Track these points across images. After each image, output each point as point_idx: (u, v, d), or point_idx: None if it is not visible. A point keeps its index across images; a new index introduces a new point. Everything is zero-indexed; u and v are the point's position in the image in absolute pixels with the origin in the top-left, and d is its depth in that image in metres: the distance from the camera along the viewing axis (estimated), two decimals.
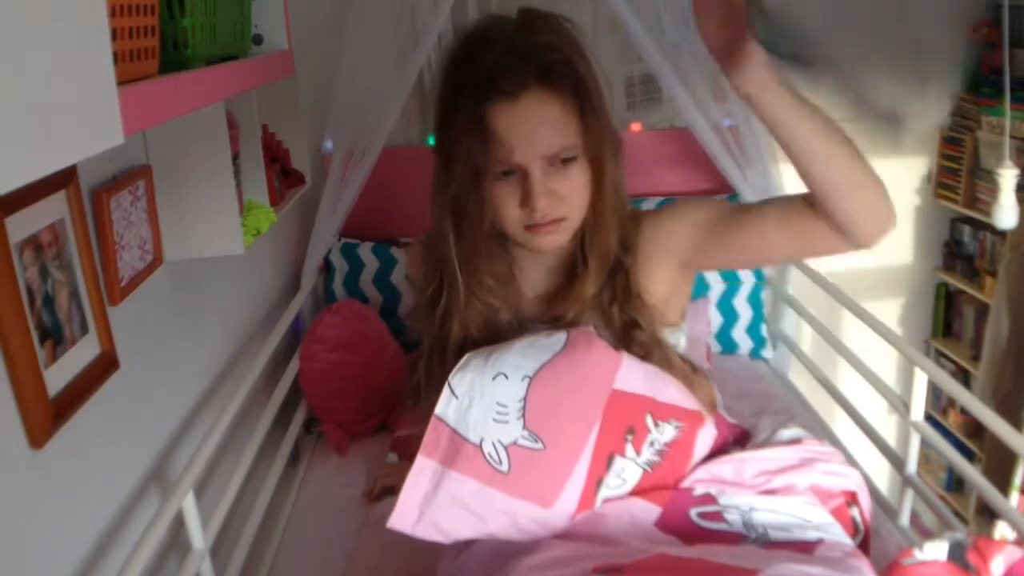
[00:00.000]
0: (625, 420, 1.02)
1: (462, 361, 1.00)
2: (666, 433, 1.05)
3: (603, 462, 1.00)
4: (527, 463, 0.97)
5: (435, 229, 1.12)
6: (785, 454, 1.12)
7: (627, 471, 1.03)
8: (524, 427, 0.97)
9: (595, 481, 1.00)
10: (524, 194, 1.03)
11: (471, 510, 0.97)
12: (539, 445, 0.97)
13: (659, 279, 1.13)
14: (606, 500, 1.02)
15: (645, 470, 1.04)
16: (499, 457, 0.96)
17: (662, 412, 1.05)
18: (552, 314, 1.14)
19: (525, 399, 0.97)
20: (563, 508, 0.98)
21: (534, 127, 1.01)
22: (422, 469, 0.97)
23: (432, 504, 0.97)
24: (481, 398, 0.97)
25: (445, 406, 0.98)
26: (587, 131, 1.02)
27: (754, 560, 0.88)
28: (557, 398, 0.99)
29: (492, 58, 1.02)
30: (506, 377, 0.98)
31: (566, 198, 1.05)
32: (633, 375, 1.04)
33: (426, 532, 0.98)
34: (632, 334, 1.10)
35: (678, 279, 1.16)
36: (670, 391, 1.07)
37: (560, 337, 1.03)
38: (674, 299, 1.17)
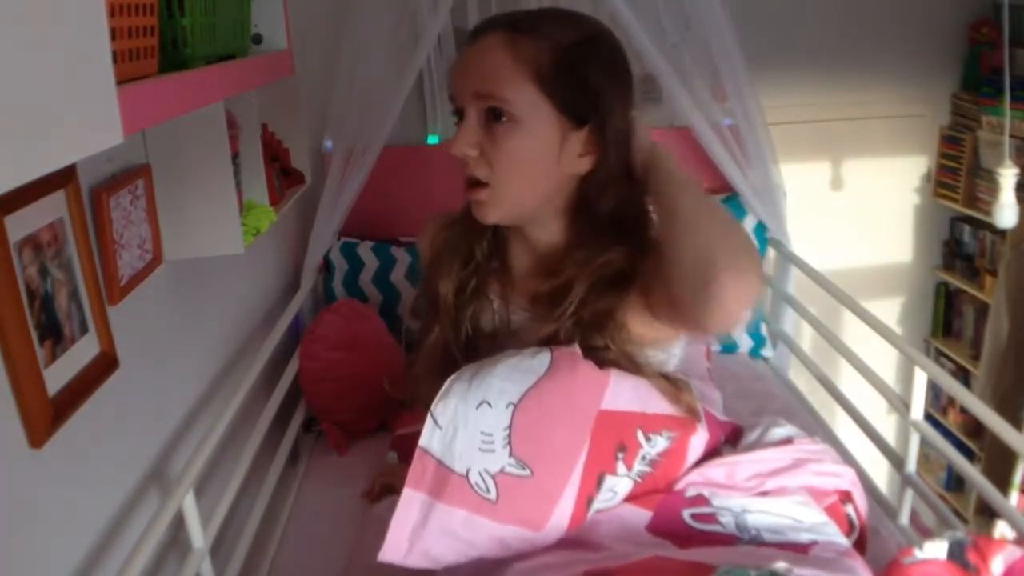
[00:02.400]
0: (615, 439, 1.00)
1: (444, 388, 0.98)
2: (658, 445, 1.04)
3: (593, 482, 0.99)
4: (515, 490, 0.95)
5: None
6: (777, 455, 1.10)
7: (619, 485, 1.02)
8: (511, 455, 0.95)
9: (585, 501, 0.99)
10: None
11: (461, 538, 0.96)
12: (527, 472, 0.95)
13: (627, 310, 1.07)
14: (597, 511, 1.02)
15: (636, 481, 1.03)
16: (487, 486, 0.95)
17: (653, 425, 1.03)
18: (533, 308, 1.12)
19: (510, 427, 0.96)
20: (554, 529, 0.97)
21: (476, 61, 1.01)
22: (409, 501, 0.96)
23: (422, 535, 0.96)
24: (465, 428, 0.96)
25: (429, 437, 0.96)
26: (526, 92, 0.99)
27: (752, 560, 0.88)
28: (543, 424, 0.97)
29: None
30: (490, 405, 0.96)
31: (492, 162, 1.02)
32: (622, 393, 1.02)
33: (416, 561, 0.97)
34: (599, 355, 1.05)
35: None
36: (662, 402, 1.06)
37: (544, 359, 1.00)
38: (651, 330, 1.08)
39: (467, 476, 0.95)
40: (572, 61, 1.00)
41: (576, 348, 1.04)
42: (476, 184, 1.04)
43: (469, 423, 0.96)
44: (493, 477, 0.95)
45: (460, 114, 1.03)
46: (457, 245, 1.16)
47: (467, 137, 1.01)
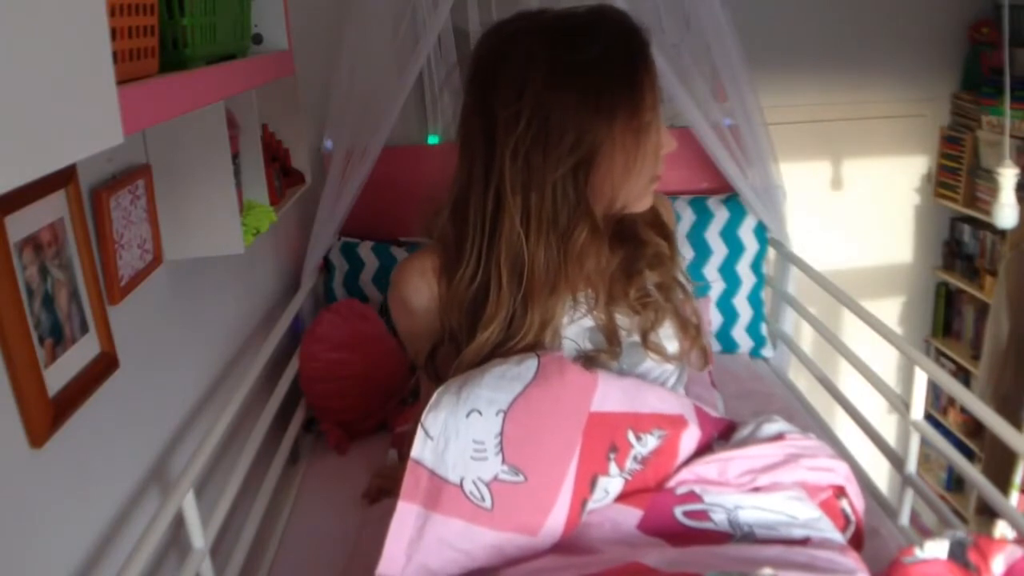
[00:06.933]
0: (606, 440, 1.01)
1: (433, 399, 0.99)
2: (649, 444, 1.04)
3: (586, 485, 0.99)
4: (510, 497, 0.95)
5: None
6: (769, 451, 1.10)
7: (611, 485, 1.02)
8: (503, 462, 0.95)
9: (580, 503, 0.99)
10: None
11: (458, 548, 0.96)
12: (520, 478, 0.95)
13: None
14: (588, 511, 1.02)
15: (627, 479, 1.03)
16: (481, 494, 0.95)
17: (644, 424, 1.04)
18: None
19: (501, 434, 0.96)
20: (550, 533, 0.97)
21: None
22: (404, 514, 0.95)
23: (419, 548, 0.95)
24: (457, 438, 0.96)
25: (421, 448, 0.96)
26: None
27: (740, 565, 0.87)
28: (534, 429, 0.98)
29: None
30: (480, 413, 0.96)
31: None
32: (611, 395, 1.03)
33: (414, 574, 0.97)
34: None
35: None
36: (651, 400, 1.06)
37: (531, 365, 1.01)
38: None
39: (461, 485, 0.95)
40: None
41: (562, 353, 1.05)
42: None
43: (460, 433, 0.96)
44: (487, 485, 0.95)
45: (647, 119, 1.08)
46: None
47: None
